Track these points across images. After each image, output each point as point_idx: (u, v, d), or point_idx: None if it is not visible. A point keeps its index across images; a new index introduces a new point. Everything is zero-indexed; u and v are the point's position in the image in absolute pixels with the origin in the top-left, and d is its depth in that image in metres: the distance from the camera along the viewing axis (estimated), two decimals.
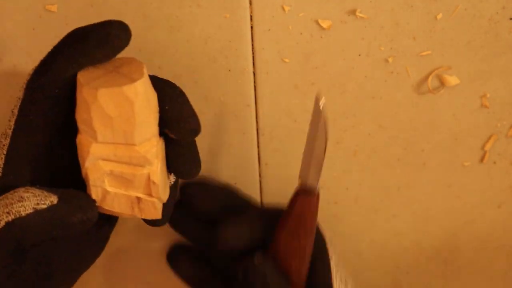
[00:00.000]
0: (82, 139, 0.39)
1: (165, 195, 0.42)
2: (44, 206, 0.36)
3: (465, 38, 0.47)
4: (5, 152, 0.39)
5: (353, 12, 0.46)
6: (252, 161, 0.51)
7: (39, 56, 0.46)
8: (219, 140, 0.51)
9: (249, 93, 0.48)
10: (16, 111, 0.39)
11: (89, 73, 0.38)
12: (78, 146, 0.39)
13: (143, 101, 0.38)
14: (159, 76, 0.41)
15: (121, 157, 0.39)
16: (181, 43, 0.46)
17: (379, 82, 0.49)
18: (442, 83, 0.49)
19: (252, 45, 0.47)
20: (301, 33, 0.46)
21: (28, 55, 0.46)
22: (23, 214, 0.35)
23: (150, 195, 0.41)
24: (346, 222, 0.55)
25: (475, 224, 0.56)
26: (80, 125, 0.38)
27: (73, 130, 0.40)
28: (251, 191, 0.52)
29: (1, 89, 0.47)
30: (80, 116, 0.38)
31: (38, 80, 0.38)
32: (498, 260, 0.58)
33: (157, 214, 0.42)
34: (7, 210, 0.35)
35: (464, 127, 0.51)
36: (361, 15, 0.46)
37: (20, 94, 0.39)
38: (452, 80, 0.48)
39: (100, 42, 0.37)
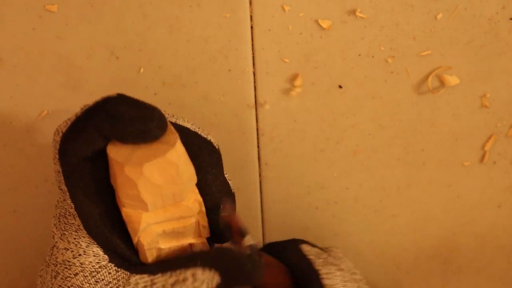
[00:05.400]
0: (130, 212, 0.38)
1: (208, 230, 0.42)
2: None
3: (465, 38, 0.47)
4: (86, 231, 0.38)
5: (353, 12, 0.46)
6: (252, 161, 0.51)
7: (39, 56, 0.46)
8: (219, 140, 0.50)
9: (249, 93, 0.48)
10: (64, 187, 0.38)
11: (119, 148, 0.37)
12: (126, 219, 0.38)
13: (185, 160, 0.37)
14: (195, 131, 0.41)
15: (171, 216, 0.38)
16: (181, 43, 0.46)
17: (379, 82, 0.49)
18: (442, 83, 0.49)
19: (252, 45, 0.47)
20: (301, 33, 0.46)
21: (28, 55, 0.46)
22: None
23: (200, 237, 0.41)
24: (346, 222, 0.55)
25: (475, 224, 0.56)
26: (125, 200, 0.37)
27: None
28: (251, 191, 0.52)
29: (1, 90, 0.47)
30: (124, 192, 0.37)
31: (68, 146, 0.37)
32: (498, 260, 0.58)
33: (205, 248, 0.42)
34: None
35: (464, 127, 0.51)
36: (361, 15, 0.46)
37: (56, 166, 0.39)
38: (452, 80, 0.49)
39: (138, 136, 0.36)
